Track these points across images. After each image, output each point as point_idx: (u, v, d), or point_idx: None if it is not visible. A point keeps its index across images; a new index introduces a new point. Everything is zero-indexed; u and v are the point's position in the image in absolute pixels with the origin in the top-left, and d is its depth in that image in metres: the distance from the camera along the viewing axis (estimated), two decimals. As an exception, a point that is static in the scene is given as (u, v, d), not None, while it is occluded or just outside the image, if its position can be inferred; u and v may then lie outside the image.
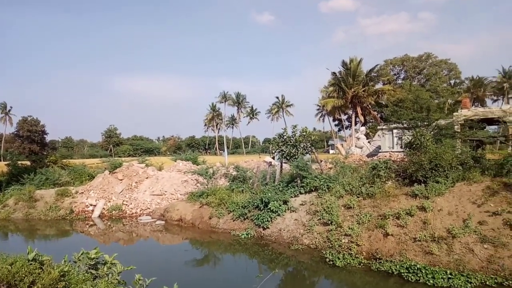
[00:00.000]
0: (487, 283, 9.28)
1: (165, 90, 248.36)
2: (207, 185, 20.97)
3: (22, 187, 25.08)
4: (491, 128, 27.71)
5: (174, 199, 23.17)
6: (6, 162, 34.87)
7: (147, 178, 25.63)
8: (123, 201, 23.18)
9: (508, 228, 10.44)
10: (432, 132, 17.92)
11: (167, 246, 16.63)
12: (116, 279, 6.62)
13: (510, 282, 9.18)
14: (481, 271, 9.70)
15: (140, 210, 22.52)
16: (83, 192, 24.06)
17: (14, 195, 23.96)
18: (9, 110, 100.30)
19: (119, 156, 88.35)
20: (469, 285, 9.27)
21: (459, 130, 19.91)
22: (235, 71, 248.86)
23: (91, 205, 22.70)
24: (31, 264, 5.80)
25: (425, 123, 18.99)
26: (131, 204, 23.04)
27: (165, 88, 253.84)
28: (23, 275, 5.35)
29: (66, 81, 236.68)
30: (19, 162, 33.48)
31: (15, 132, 70.73)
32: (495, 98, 72.52)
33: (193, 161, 32.73)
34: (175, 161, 32.63)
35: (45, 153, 54.66)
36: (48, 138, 68.99)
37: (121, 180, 25.07)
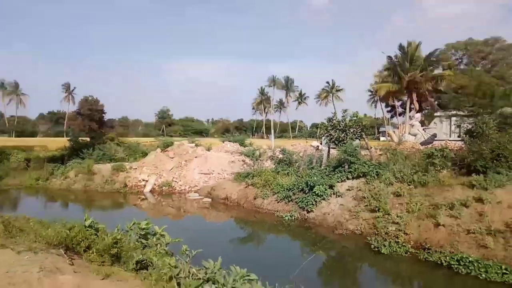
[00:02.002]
0: (548, 282, 8.61)
1: (216, 74, 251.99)
2: (253, 166, 21.18)
3: (82, 161, 26.87)
4: None
5: (221, 178, 23.71)
6: (68, 138, 37.35)
7: (196, 157, 26.36)
8: (173, 178, 24.11)
9: None
10: (495, 121, 16.68)
11: (213, 223, 17.12)
12: (164, 249, 6.92)
13: None
14: (541, 270, 9.00)
15: (189, 187, 23.31)
16: (136, 168, 25.29)
17: (74, 168, 25.76)
18: (72, 90, 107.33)
19: (171, 136, 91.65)
20: (527, 283, 8.65)
21: (527, 119, 18.36)
22: (285, 55, 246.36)
23: (143, 180, 23.87)
24: (87, 230, 6.21)
25: (488, 110, 17.69)
26: (180, 181, 23.91)
27: (216, 71, 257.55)
28: (80, 240, 5.73)
29: (124, 64, 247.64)
30: (79, 138, 35.81)
31: (77, 111, 75.16)
32: None
33: (240, 143, 33.13)
34: (223, 142, 33.21)
35: (103, 131, 57.80)
36: (106, 117, 72.72)
37: (172, 158, 26.04)
